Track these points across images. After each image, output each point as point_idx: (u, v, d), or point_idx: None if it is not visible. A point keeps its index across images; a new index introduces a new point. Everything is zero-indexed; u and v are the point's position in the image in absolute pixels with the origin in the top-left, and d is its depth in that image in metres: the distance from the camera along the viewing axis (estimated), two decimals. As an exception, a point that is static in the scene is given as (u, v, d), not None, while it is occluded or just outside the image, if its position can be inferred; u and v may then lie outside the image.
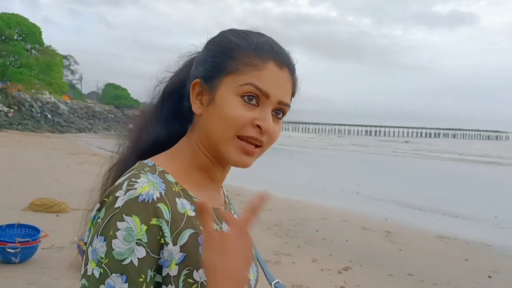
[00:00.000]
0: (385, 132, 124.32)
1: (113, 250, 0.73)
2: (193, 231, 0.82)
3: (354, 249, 6.69)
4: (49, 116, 43.80)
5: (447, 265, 6.37)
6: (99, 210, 0.80)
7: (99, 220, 0.78)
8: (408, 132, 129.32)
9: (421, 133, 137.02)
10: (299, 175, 16.43)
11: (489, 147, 60.91)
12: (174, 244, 0.79)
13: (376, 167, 23.86)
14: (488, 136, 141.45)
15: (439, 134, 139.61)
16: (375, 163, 26.26)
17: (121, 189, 0.78)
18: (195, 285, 0.80)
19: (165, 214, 0.78)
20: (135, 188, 0.77)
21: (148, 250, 0.75)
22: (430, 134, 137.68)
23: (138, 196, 0.76)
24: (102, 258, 0.73)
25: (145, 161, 0.87)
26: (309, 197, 11.18)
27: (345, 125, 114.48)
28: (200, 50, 0.97)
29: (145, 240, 0.75)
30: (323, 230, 7.74)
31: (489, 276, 6.07)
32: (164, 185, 0.82)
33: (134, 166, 0.86)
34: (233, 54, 0.87)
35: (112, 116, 57.55)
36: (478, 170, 25.94)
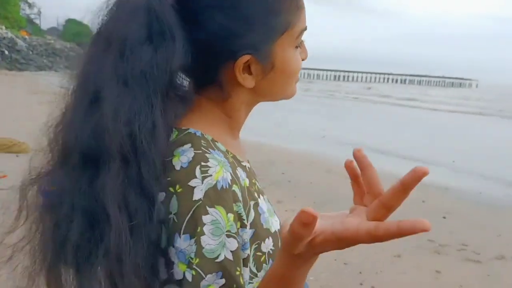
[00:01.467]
0: (353, 77, 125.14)
1: (203, 248, 0.65)
2: (254, 201, 0.77)
3: (318, 191, 6.92)
4: (6, 52, 41.52)
5: (405, 206, 6.57)
6: (163, 202, 0.68)
7: (172, 216, 0.67)
8: (375, 78, 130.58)
9: (388, 79, 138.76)
10: (266, 119, 16.52)
11: (453, 94, 62.57)
12: (248, 224, 0.74)
13: (343, 112, 24.24)
14: (452, 83, 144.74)
15: (405, 80, 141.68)
16: (341, 109, 26.63)
17: (196, 177, 0.68)
18: (263, 257, 0.76)
19: (239, 195, 0.72)
20: (211, 175, 0.68)
21: (238, 240, 0.69)
22: (397, 80, 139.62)
23: (216, 184, 0.68)
24: (192, 258, 0.65)
25: (190, 130, 0.75)
26: (275, 140, 11.34)
27: (314, 69, 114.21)
28: None
29: (233, 230, 0.69)
30: (289, 173, 7.92)
31: (444, 217, 6.44)
32: (226, 160, 0.73)
33: (180, 137, 0.73)
34: (276, 7, 0.73)
35: (74, 54, 55.13)
36: (439, 117, 26.77)
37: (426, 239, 5.35)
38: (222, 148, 0.77)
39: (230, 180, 0.70)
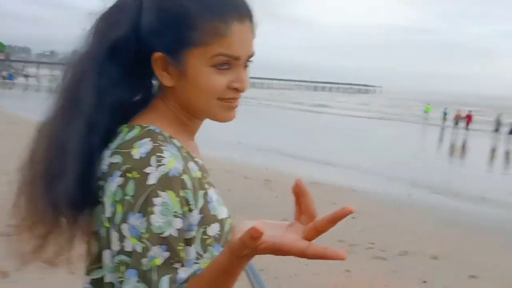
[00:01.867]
0: (266, 84, 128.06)
1: (152, 225, 0.76)
2: (203, 191, 0.87)
3: (236, 197, 6.96)
4: None
5: (317, 208, 6.92)
6: (121, 186, 0.78)
7: (128, 198, 0.77)
8: (287, 85, 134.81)
9: (300, 85, 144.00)
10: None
11: (359, 100, 66.48)
12: (195, 208, 0.84)
13: (257, 119, 24.68)
14: (359, 89, 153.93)
15: (316, 87, 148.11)
16: (256, 115, 27.11)
17: (151, 165, 0.78)
18: (209, 240, 0.86)
19: (188, 184, 0.82)
20: (164, 164, 0.79)
21: (183, 220, 0.80)
22: (309, 87, 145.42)
23: (168, 172, 0.79)
24: (142, 233, 0.76)
25: (150, 127, 0.85)
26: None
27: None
28: None
29: (180, 212, 0.79)
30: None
31: (353, 217, 6.80)
32: (180, 154, 0.84)
33: (141, 133, 0.84)
34: (193, 24, 0.83)
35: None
36: (346, 121, 28.31)
37: (336, 240, 5.60)
38: (178, 144, 0.87)
39: (181, 170, 0.81)
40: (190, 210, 0.82)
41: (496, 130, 23.29)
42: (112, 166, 0.81)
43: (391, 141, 19.81)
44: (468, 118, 26.50)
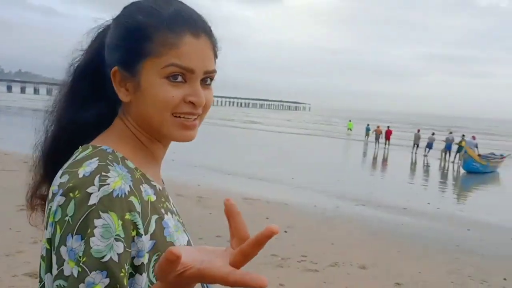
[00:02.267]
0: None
1: (91, 248, 0.71)
2: (158, 216, 0.83)
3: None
4: None
5: (251, 224, 6.91)
6: (62, 206, 0.74)
7: (68, 218, 0.73)
8: (220, 101, 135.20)
9: (232, 102, 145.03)
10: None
11: (289, 117, 68.13)
12: (145, 233, 0.79)
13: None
14: (289, 106, 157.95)
15: (248, 104, 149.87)
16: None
17: (93, 185, 0.74)
18: None
19: (136, 206, 0.78)
20: (108, 184, 0.75)
21: (125, 245, 0.75)
22: (240, 103, 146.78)
23: (112, 192, 0.75)
24: (80, 257, 0.71)
25: (102, 147, 0.83)
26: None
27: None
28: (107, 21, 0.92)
29: (122, 235, 0.74)
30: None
31: (285, 231, 6.92)
32: (130, 175, 0.81)
33: (92, 152, 0.81)
34: (145, 35, 0.83)
35: None
36: (278, 138, 28.88)
37: (269, 254, 5.68)
38: (131, 165, 0.83)
39: (128, 191, 0.77)
40: (139, 235, 0.78)
41: (416, 145, 24.92)
42: (60, 186, 0.77)
43: (319, 156, 20.48)
44: (388, 133, 28.01)
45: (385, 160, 22.19)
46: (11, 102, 54.62)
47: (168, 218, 0.86)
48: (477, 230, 8.49)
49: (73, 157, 0.83)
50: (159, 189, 0.89)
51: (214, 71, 0.88)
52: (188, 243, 0.89)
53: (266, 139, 26.66)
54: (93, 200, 0.73)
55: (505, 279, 5.75)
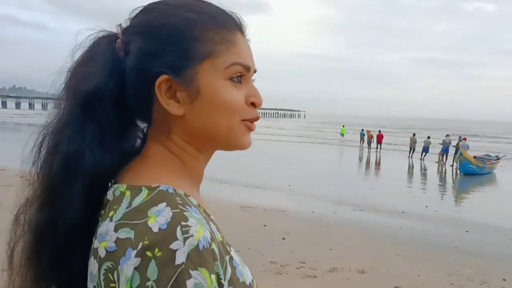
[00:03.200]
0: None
1: None
2: (228, 256, 0.71)
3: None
4: None
5: (249, 232, 7.01)
6: (138, 269, 0.61)
7: (151, 284, 0.60)
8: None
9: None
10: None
11: (285, 124, 68.24)
12: (224, 280, 0.67)
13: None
14: (284, 114, 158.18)
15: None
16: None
17: (177, 239, 0.61)
18: None
19: (217, 253, 0.66)
20: (192, 235, 0.62)
21: None
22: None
23: (198, 244, 0.62)
24: None
25: (161, 187, 0.68)
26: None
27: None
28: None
29: None
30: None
31: (283, 238, 6.92)
32: (202, 216, 0.68)
33: (152, 196, 0.67)
34: (197, 34, 0.72)
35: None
36: (274, 145, 28.90)
37: (268, 261, 5.67)
38: (195, 202, 0.71)
39: (210, 238, 0.65)
40: (221, 286, 0.67)
41: (412, 149, 25.03)
42: (122, 242, 0.64)
43: (315, 163, 20.50)
44: (379, 137, 28.29)
45: (381, 164, 22.24)
46: (6, 117, 54.41)
47: (234, 254, 0.73)
48: (475, 231, 8.50)
49: (124, 202, 0.68)
50: (215, 221, 0.76)
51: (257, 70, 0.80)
52: (252, 276, 0.77)
53: (261, 147, 26.68)
54: (180, 258, 0.61)
55: (504, 280, 5.76)
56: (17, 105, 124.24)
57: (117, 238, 0.64)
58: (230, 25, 0.75)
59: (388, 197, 12.01)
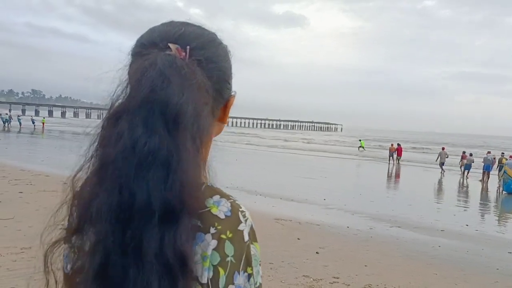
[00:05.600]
0: (236, 122, 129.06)
1: (256, 280, 0.80)
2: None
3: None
4: None
5: (282, 245, 6.99)
6: (217, 249, 0.77)
7: (229, 259, 0.77)
8: (253, 123, 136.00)
9: (264, 124, 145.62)
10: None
11: (321, 138, 67.62)
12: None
13: (222, 158, 24.68)
14: (321, 127, 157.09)
15: (279, 125, 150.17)
16: (221, 154, 27.06)
17: (241, 222, 0.80)
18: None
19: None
20: (248, 218, 0.82)
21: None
22: (272, 125, 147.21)
23: (252, 224, 0.82)
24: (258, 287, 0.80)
25: (207, 183, 0.86)
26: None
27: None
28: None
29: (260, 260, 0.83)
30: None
31: (317, 252, 6.85)
32: None
33: (205, 190, 0.81)
34: (231, 76, 0.92)
35: None
36: (311, 158, 28.71)
37: (301, 275, 5.63)
38: None
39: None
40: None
41: (441, 163, 24.50)
42: (199, 229, 0.77)
43: (351, 177, 20.20)
44: (399, 150, 29.65)
45: (418, 181, 21.67)
46: (53, 125, 56.60)
47: None
48: (519, 253, 8.15)
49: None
50: None
51: None
52: None
53: (296, 160, 26.57)
54: (246, 236, 0.80)
55: (549, 305, 5.48)
56: (63, 114, 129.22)
57: (198, 225, 0.77)
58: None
59: (426, 214, 11.68)
